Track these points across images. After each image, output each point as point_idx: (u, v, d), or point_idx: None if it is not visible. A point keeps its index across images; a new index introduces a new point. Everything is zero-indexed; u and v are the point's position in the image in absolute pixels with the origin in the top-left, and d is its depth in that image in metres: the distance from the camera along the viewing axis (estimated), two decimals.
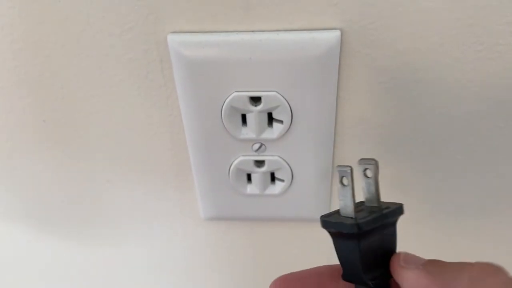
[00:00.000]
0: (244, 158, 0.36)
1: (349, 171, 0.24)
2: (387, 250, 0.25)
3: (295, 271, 0.27)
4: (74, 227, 0.45)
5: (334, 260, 0.26)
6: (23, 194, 0.42)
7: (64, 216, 0.44)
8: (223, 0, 0.29)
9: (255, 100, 0.33)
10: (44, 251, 0.48)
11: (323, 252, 0.43)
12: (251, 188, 0.38)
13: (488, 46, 0.30)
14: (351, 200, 0.24)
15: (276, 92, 0.32)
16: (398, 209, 0.25)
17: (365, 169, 0.25)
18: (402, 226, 0.26)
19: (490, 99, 0.32)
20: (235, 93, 0.32)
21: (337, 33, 0.30)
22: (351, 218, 0.24)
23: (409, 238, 0.38)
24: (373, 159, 0.25)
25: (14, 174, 0.40)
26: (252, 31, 0.30)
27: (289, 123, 0.33)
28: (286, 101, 0.32)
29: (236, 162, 0.36)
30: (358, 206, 0.26)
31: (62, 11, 0.30)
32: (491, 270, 0.21)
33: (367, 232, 0.24)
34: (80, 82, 0.34)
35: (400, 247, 0.26)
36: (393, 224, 0.25)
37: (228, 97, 0.32)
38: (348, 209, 0.24)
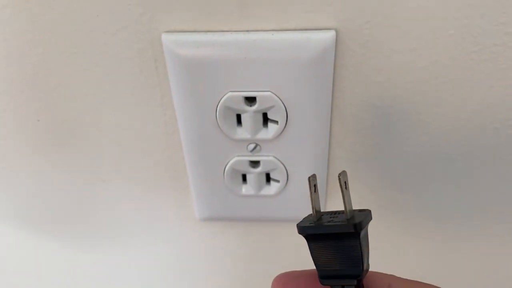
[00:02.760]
0: (239, 159, 0.36)
1: (312, 178, 0.25)
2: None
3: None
4: (68, 227, 0.44)
5: None
6: (16, 195, 0.42)
7: (58, 216, 0.43)
8: (217, 0, 0.29)
9: (250, 100, 0.32)
10: (37, 253, 0.47)
11: None
12: (246, 189, 0.38)
13: (484, 46, 0.30)
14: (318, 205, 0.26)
15: (271, 92, 0.32)
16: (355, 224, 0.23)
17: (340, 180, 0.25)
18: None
19: (485, 99, 0.32)
20: (230, 93, 0.32)
21: (332, 33, 0.30)
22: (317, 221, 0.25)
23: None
24: (342, 171, 0.25)
25: (6, 174, 0.40)
26: (247, 30, 0.30)
27: (284, 124, 0.33)
28: (281, 101, 0.32)
29: (231, 162, 0.36)
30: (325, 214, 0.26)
31: (55, 9, 0.30)
32: None
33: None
34: (74, 81, 0.34)
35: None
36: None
37: (222, 97, 0.32)
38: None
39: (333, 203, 0.39)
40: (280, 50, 0.30)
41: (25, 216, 0.44)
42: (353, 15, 0.29)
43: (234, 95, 0.32)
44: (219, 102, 0.32)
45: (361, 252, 0.24)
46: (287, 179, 0.37)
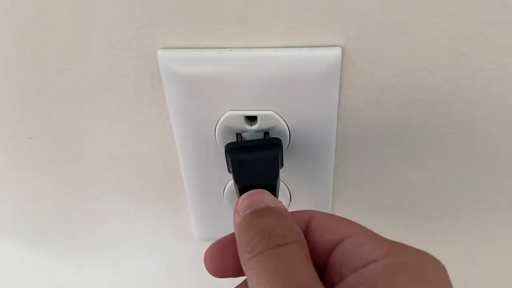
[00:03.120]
0: None
1: None
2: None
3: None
4: (62, 246, 0.43)
5: None
6: (10, 213, 0.40)
7: (52, 235, 0.42)
8: (217, 15, 0.27)
9: (251, 119, 0.31)
10: (28, 270, 0.46)
11: None
12: None
13: (500, 65, 0.28)
14: None
15: (273, 111, 0.30)
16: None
17: None
18: None
19: (502, 118, 0.30)
20: (230, 112, 0.30)
21: (337, 50, 0.28)
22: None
23: None
24: None
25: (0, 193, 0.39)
26: (248, 47, 0.28)
27: (287, 144, 0.31)
28: (284, 121, 0.30)
29: (231, 182, 0.34)
30: None
31: (46, 24, 0.29)
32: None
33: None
34: (66, 98, 0.32)
35: None
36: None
37: (222, 116, 0.30)
38: None
39: None
40: (283, 67, 0.28)
41: (17, 233, 0.42)
42: (360, 32, 0.27)
43: (234, 114, 0.30)
44: (218, 121, 0.31)
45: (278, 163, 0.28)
46: (290, 200, 0.35)
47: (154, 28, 0.28)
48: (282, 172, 0.33)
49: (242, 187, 0.27)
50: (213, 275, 0.23)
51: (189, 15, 0.28)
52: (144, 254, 0.42)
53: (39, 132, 0.34)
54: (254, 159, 0.28)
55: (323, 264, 0.22)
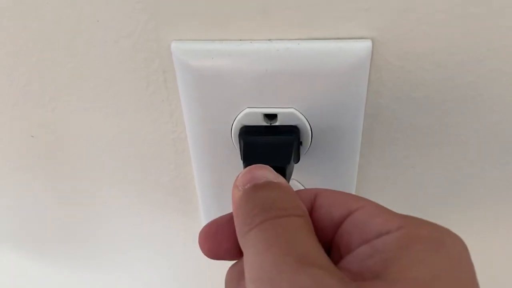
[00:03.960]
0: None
1: None
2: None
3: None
4: (66, 251, 0.41)
5: None
6: (10, 214, 0.38)
7: (55, 238, 0.40)
8: (236, 3, 0.25)
9: (270, 117, 0.29)
10: (32, 275, 0.44)
11: None
12: None
13: None
14: None
15: (295, 109, 0.28)
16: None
17: None
18: None
19: None
20: (248, 109, 0.28)
21: (368, 43, 0.26)
22: None
23: None
24: None
25: (0, 193, 0.37)
26: (269, 39, 0.26)
27: (309, 145, 0.29)
28: (306, 119, 0.28)
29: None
30: None
31: (50, 14, 0.27)
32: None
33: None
34: (71, 94, 0.30)
35: None
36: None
37: (239, 114, 0.28)
38: None
39: None
40: (307, 61, 0.26)
41: (17, 236, 0.40)
42: (392, 23, 0.25)
43: (252, 112, 0.28)
44: (235, 119, 0.29)
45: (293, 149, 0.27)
46: None
47: (167, 19, 0.26)
48: (303, 174, 0.31)
49: None
50: (208, 257, 0.22)
51: (205, 4, 0.25)
52: (152, 258, 0.40)
53: (41, 130, 0.32)
54: (267, 143, 0.27)
55: (330, 240, 0.20)
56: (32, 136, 0.33)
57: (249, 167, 0.22)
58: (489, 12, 0.24)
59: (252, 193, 0.20)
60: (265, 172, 0.21)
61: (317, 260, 0.16)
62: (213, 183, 0.33)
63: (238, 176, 0.22)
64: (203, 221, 0.35)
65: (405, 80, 0.27)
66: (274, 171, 0.22)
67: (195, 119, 0.29)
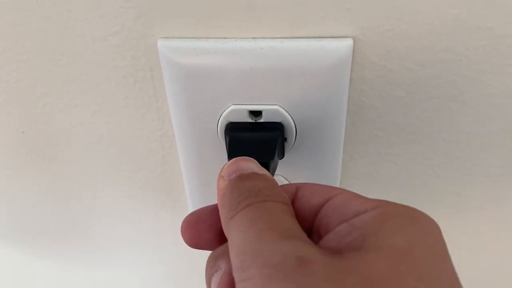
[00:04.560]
0: None
1: None
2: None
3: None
4: (56, 247, 0.41)
5: None
6: (0, 211, 0.39)
7: (45, 234, 0.40)
8: (221, 3, 0.26)
9: (255, 114, 0.29)
10: (22, 271, 0.44)
11: None
12: None
13: None
14: None
15: (279, 106, 0.28)
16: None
17: None
18: None
19: None
20: (233, 106, 0.29)
21: (349, 41, 0.26)
22: None
23: None
24: None
25: None
26: (254, 38, 0.27)
27: (293, 141, 0.30)
28: (290, 116, 0.29)
29: None
30: None
31: (39, 12, 0.27)
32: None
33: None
34: (61, 90, 0.30)
35: None
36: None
37: (225, 111, 0.29)
38: None
39: None
40: (290, 59, 0.27)
41: (7, 233, 0.41)
42: (374, 22, 0.26)
43: (237, 109, 0.29)
44: (221, 116, 0.29)
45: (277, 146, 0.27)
46: None
47: (154, 17, 0.27)
48: (287, 169, 0.32)
49: None
50: (189, 246, 0.23)
51: (191, 2, 0.26)
52: (142, 254, 0.41)
53: (32, 126, 0.33)
54: (251, 139, 0.28)
55: (310, 226, 0.21)
56: (23, 132, 0.33)
57: (234, 158, 0.22)
58: (469, 12, 0.25)
59: (238, 183, 0.20)
60: (250, 164, 0.22)
61: (299, 235, 0.17)
62: (200, 179, 0.33)
63: (223, 167, 0.22)
64: None
65: (387, 78, 0.28)
66: (259, 164, 0.22)
67: (181, 115, 0.30)
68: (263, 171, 0.22)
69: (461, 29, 0.25)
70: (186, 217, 0.23)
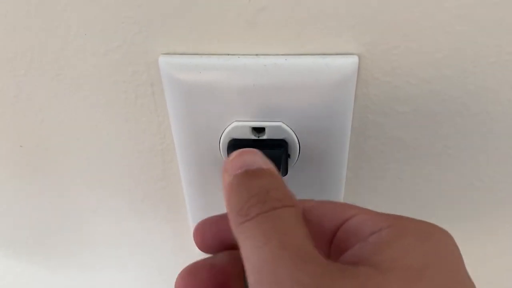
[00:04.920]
0: None
1: None
2: None
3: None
4: (55, 258, 0.41)
5: None
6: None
7: (44, 246, 0.40)
8: (224, 19, 0.25)
9: (258, 130, 0.29)
10: (21, 281, 0.44)
11: None
12: None
13: None
14: None
15: (282, 122, 0.28)
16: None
17: None
18: None
19: None
20: (236, 123, 0.28)
21: (354, 59, 0.26)
22: None
23: None
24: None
25: None
26: (257, 54, 0.26)
27: (296, 158, 0.29)
28: (294, 133, 0.28)
29: None
30: None
31: (37, 25, 0.26)
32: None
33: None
34: (60, 105, 0.30)
35: None
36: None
37: (227, 127, 0.28)
38: None
39: None
40: (294, 76, 0.26)
41: (6, 244, 0.40)
42: (379, 39, 0.25)
43: (240, 125, 0.28)
44: (223, 132, 0.29)
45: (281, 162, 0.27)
46: None
47: (156, 32, 0.26)
48: (290, 186, 0.31)
49: None
50: (201, 250, 0.24)
51: (193, 18, 0.25)
52: (141, 265, 0.40)
53: (30, 140, 0.32)
54: None
55: (327, 252, 0.20)
56: (21, 146, 0.33)
57: (239, 150, 0.22)
58: (475, 30, 0.24)
59: (245, 180, 0.20)
60: (255, 157, 0.21)
61: (314, 256, 0.17)
62: (201, 194, 0.33)
63: (227, 160, 0.22)
64: (192, 230, 0.35)
65: (392, 95, 0.27)
66: (264, 156, 0.22)
67: (183, 131, 0.29)
68: (269, 164, 0.21)
69: (467, 46, 0.25)
70: (197, 223, 0.24)
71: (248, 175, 0.20)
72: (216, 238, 0.24)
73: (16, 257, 0.42)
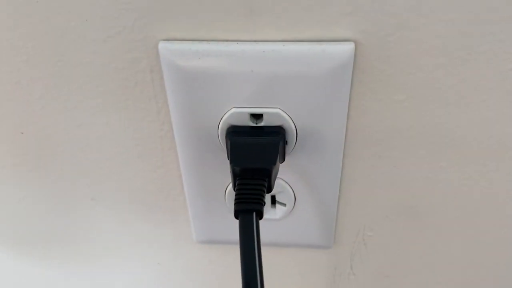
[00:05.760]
0: None
1: None
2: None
3: None
4: (52, 250, 0.41)
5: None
6: None
7: (41, 238, 0.40)
8: (223, 5, 0.26)
9: (257, 117, 0.29)
10: (18, 276, 0.44)
11: (324, 277, 0.40)
12: None
13: None
14: None
15: (280, 109, 0.28)
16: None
17: None
18: None
19: None
20: (234, 109, 0.28)
21: (351, 45, 0.26)
22: None
23: None
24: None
25: None
26: (255, 40, 0.27)
27: (294, 144, 0.30)
28: (291, 119, 0.29)
29: None
30: None
31: (39, 13, 0.27)
32: None
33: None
34: (60, 91, 0.30)
35: None
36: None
37: (226, 113, 0.29)
38: None
39: (345, 226, 0.36)
40: (292, 63, 0.27)
41: (6, 236, 0.40)
42: (375, 27, 0.26)
43: (238, 111, 0.29)
44: (221, 119, 0.29)
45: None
46: (295, 201, 0.33)
47: (155, 19, 0.26)
48: (288, 172, 0.32)
49: (237, 168, 0.27)
50: None
51: (193, 4, 0.26)
52: (140, 257, 0.41)
53: (31, 126, 0.32)
54: (253, 143, 0.28)
55: None
56: (22, 133, 0.33)
57: None
58: (469, 17, 0.25)
59: None
60: None
61: None
62: (199, 181, 0.33)
63: None
64: (190, 218, 0.36)
65: (388, 82, 0.28)
66: None
67: (182, 118, 0.30)
68: None
69: (460, 34, 0.26)
70: None
71: None
72: None
73: (7, 251, 0.42)
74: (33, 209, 0.38)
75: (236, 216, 0.27)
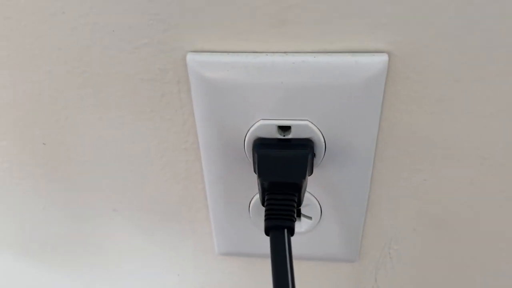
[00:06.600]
0: None
1: None
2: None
3: None
4: (72, 261, 0.41)
5: None
6: (18, 221, 0.38)
7: (64, 246, 0.40)
8: (252, 16, 0.25)
9: (284, 129, 0.28)
10: (38, 282, 0.44)
11: None
12: None
13: None
14: None
15: (309, 121, 0.27)
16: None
17: None
18: None
19: None
20: (262, 121, 0.28)
21: (384, 57, 0.25)
22: None
23: None
24: None
25: (9, 200, 0.36)
26: (285, 52, 0.26)
27: (322, 157, 0.29)
28: (320, 131, 0.28)
29: (257, 196, 0.32)
30: None
31: (65, 23, 0.26)
32: None
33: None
34: (85, 102, 0.30)
35: None
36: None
37: (253, 125, 0.28)
38: None
39: (371, 240, 0.35)
40: (323, 74, 0.26)
41: (22, 246, 0.40)
42: (410, 37, 0.25)
43: (266, 124, 0.28)
44: (248, 131, 0.28)
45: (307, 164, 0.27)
46: (320, 216, 0.33)
47: (183, 30, 0.26)
48: (315, 186, 0.31)
49: (265, 182, 0.27)
50: None
51: (221, 16, 0.25)
52: (160, 269, 0.40)
53: (54, 137, 0.32)
54: (281, 157, 0.27)
55: None
56: (44, 144, 0.32)
57: None
58: (507, 27, 0.24)
59: None
60: None
61: None
62: (223, 193, 0.32)
63: None
64: (213, 230, 0.35)
65: (422, 94, 0.27)
66: None
67: (208, 129, 0.29)
68: None
69: (499, 44, 0.25)
70: None
71: None
72: None
73: (28, 260, 0.42)
74: (54, 219, 0.38)
75: (267, 233, 0.26)
